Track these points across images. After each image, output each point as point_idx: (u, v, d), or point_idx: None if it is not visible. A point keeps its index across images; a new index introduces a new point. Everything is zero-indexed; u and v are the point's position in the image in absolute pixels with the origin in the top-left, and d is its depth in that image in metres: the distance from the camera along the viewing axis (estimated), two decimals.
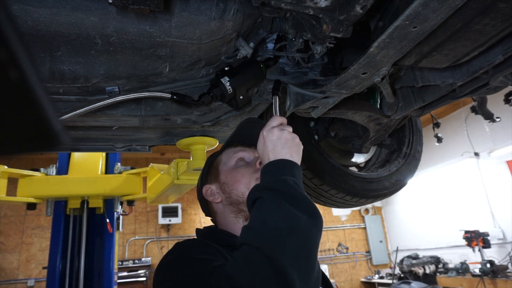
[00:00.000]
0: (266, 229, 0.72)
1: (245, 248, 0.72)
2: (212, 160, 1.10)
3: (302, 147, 0.94)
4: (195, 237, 0.96)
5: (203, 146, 1.63)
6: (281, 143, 0.89)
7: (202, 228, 1.05)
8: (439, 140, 1.90)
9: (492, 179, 5.61)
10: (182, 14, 0.92)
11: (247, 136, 1.09)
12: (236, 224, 1.00)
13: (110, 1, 0.77)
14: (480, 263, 4.89)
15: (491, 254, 5.18)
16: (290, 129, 0.94)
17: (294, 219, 0.73)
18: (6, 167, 2.56)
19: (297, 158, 0.89)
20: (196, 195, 1.14)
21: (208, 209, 1.08)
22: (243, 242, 0.73)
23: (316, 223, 0.75)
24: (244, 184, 0.98)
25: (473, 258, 5.32)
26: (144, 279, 6.00)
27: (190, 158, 1.73)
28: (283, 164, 0.85)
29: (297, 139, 0.92)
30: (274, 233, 0.71)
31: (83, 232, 2.85)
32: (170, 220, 6.78)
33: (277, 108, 1.10)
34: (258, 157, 1.03)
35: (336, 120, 1.79)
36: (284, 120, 0.97)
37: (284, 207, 0.74)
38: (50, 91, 1.08)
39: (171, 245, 7.10)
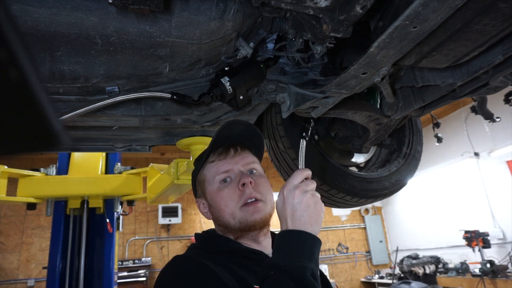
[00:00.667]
0: None
1: None
2: (197, 173, 1.07)
3: (324, 211, 0.87)
4: (189, 255, 0.92)
5: (203, 146, 1.63)
6: (301, 209, 0.83)
7: (201, 233, 1.04)
8: (439, 140, 1.90)
9: (492, 179, 5.61)
10: (182, 14, 0.92)
11: (225, 139, 1.04)
12: (232, 236, 1.00)
13: (110, 1, 0.77)
14: (480, 263, 4.89)
15: (491, 254, 5.18)
16: (314, 185, 0.88)
17: None
18: (6, 167, 2.56)
19: (317, 228, 0.83)
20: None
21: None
22: None
23: None
24: (229, 214, 0.96)
25: (473, 258, 5.32)
26: (144, 279, 6.00)
27: (190, 158, 1.73)
28: (303, 240, 0.80)
29: (319, 203, 0.85)
30: None
31: (83, 232, 2.85)
32: (170, 220, 6.78)
33: (303, 156, 1.05)
34: (240, 173, 0.99)
35: (336, 120, 1.79)
36: (308, 174, 0.90)
37: None
38: (50, 91, 1.08)
39: (171, 245, 7.12)
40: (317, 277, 0.76)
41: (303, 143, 1.07)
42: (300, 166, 1.04)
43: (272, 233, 1.04)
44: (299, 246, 0.78)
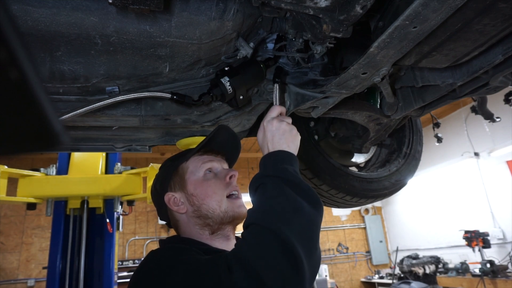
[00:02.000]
0: (272, 210, 0.76)
1: (253, 227, 0.75)
2: (176, 166, 1.04)
3: (299, 137, 0.98)
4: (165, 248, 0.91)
5: None
6: (279, 133, 0.94)
7: (165, 238, 1.02)
8: (439, 140, 1.90)
9: (492, 179, 5.61)
10: (182, 14, 0.92)
11: (215, 143, 1.08)
12: (202, 235, 0.98)
13: (110, 1, 0.77)
14: (480, 263, 4.89)
15: (491, 254, 5.18)
16: (289, 120, 0.99)
17: (298, 202, 0.77)
18: (6, 167, 2.56)
19: (294, 149, 0.94)
20: (151, 198, 1.09)
21: (167, 215, 1.04)
22: (251, 223, 0.76)
23: (318, 210, 0.79)
24: (216, 201, 0.97)
25: (473, 258, 5.32)
26: None
27: None
28: (282, 155, 0.90)
29: (294, 130, 0.97)
30: (281, 213, 0.75)
31: (83, 232, 2.85)
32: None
33: (277, 97, 1.11)
34: (227, 169, 1.05)
35: (336, 120, 1.79)
36: (283, 109, 1.02)
37: (287, 191, 0.79)
38: (50, 91, 1.08)
39: None
40: (299, 174, 0.86)
41: (276, 87, 1.13)
42: (274, 103, 1.09)
43: (237, 237, 1.04)
44: (280, 160, 0.89)
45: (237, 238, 1.04)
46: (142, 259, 0.90)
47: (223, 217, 0.97)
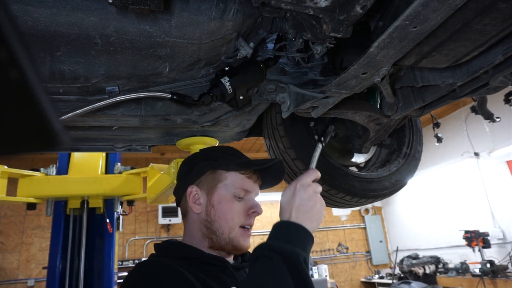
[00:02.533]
0: None
1: None
2: (216, 168, 1.02)
3: (324, 215, 0.92)
4: (155, 260, 0.92)
5: (203, 146, 1.63)
6: (308, 205, 0.88)
7: (161, 242, 1.02)
8: (439, 140, 1.90)
9: (492, 179, 5.61)
10: (182, 14, 0.92)
11: (265, 169, 1.04)
12: (201, 243, 0.98)
13: (110, 1, 0.77)
14: (480, 263, 4.89)
15: (491, 254, 5.18)
16: (320, 188, 0.94)
17: None
18: (6, 167, 2.56)
19: (315, 226, 0.88)
20: (177, 179, 1.09)
21: (180, 200, 1.05)
22: None
23: None
24: (229, 226, 0.96)
25: (473, 258, 5.32)
26: None
27: None
28: (302, 235, 0.84)
29: (323, 206, 0.92)
30: None
31: (83, 232, 2.85)
32: (170, 220, 6.78)
33: (316, 158, 1.09)
34: (255, 202, 1.02)
35: (336, 120, 1.79)
36: (318, 175, 0.96)
37: (285, 280, 0.74)
38: (50, 91, 1.08)
39: None
40: (308, 266, 0.79)
41: (319, 146, 1.10)
42: (311, 167, 1.06)
43: None
44: (296, 237, 0.83)
45: None
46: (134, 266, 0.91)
47: (227, 243, 0.96)
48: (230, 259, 1.02)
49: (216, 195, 0.99)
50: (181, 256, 0.93)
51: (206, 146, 1.64)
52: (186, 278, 0.81)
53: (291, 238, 0.82)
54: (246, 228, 0.99)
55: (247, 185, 1.01)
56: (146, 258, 0.94)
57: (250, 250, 0.97)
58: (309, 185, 0.91)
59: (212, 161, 1.03)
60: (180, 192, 1.05)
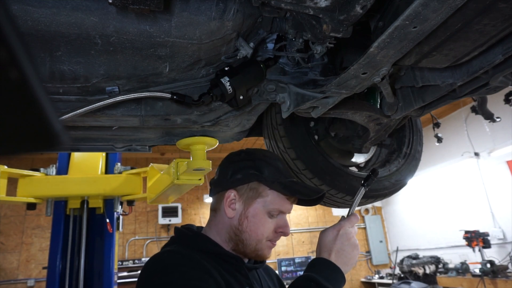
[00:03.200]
0: None
1: None
2: (260, 181, 1.03)
3: (357, 259, 1.01)
4: (180, 251, 0.95)
5: (203, 146, 1.63)
6: (347, 251, 0.97)
7: (181, 228, 1.05)
8: (439, 140, 1.90)
9: (492, 179, 5.61)
10: (182, 14, 0.92)
11: (306, 195, 1.05)
12: (225, 242, 1.02)
13: (110, 1, 0.77)
14: (480, 263, 4.89)
15: (491, 254, 5.18)
16: (357, 231, 1.02)
17: None
18: (6, 167, 2.56)
19: (348, 269, 0.97)
20: (218, 174, 1.11)
21: (215, 195, 1.08)
22: None
23: None
24: (257, 240, 1.00)
25: (473, 258, 5.32)
26: None
27: (190, 158, 1.73)
28: (340, 277, 0.93)
29: (358, 251, 1.00)
30: None
31: (83, 232, 2.85)
32: (170, 220, 6.78)
33: (358, 201, 1.12)
34: (286, 222, 1.05)
35: (336, 120, 1.79)
36: (358, 220, 1.04)
37: None
38: (50, 91, 1.08)
39: None
40: None
41: (361, 190, 1.12)
42: (352, 210, 1.09)
43: None
44: (334, 278, 0.92)
45: None
46: (147, 259, 0.94)
47: (251, 252, 1.01)
48: (245, 259, 1.06)
49: (252, 209, 1.01)
50: (204, 249, 0.97)
51: (206, 146, 1.64)
52: (212, 276, 0.86)
53: (330, 278, 0.90)
54: (272, 242, 1.03)
55: (284, 207, 1.04)
56: (156, 253, 0.97)
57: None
58: (351, 232, 0.99)
59: (259, 172, 1.05)
60: (218, 189, 1.07)
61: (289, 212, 1.07)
